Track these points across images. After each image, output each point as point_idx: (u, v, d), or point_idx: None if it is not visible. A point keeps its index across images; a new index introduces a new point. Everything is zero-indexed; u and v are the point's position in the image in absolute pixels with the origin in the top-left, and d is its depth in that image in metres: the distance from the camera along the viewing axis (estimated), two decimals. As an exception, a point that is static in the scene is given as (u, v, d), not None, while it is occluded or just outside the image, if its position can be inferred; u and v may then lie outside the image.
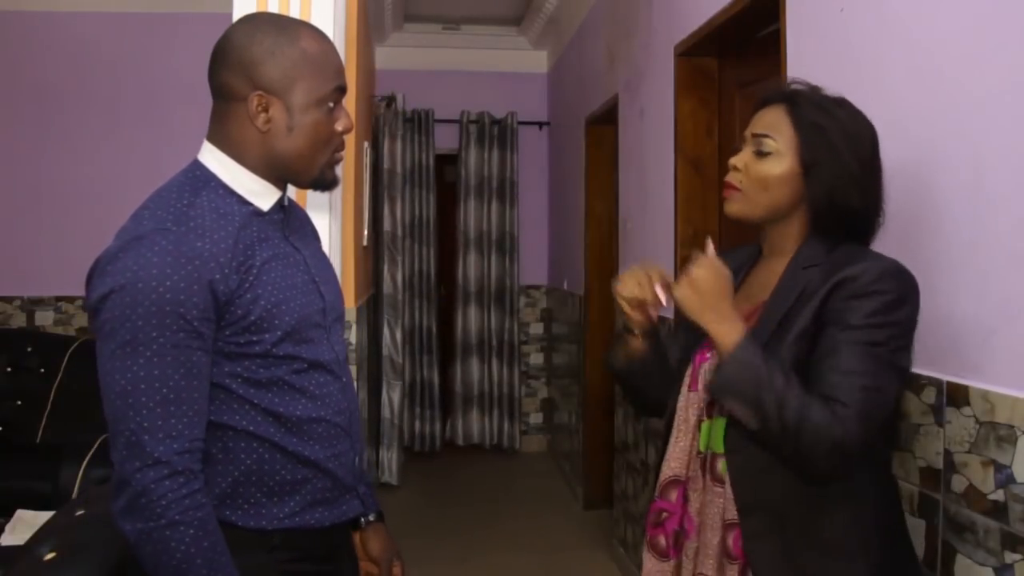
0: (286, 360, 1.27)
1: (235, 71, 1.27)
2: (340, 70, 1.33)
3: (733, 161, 1.40)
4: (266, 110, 1.27)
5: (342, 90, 1.33)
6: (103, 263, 1.19)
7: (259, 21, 1.31)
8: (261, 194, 1.31)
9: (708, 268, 1.31)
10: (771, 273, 1.40)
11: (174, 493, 1.15)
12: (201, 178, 1.29)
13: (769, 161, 1.35)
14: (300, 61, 1.27)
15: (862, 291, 1.25)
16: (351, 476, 1.38)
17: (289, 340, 1.27)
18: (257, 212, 1.30)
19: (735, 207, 1.40)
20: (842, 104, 1.37)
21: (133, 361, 1.15)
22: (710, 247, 1.36)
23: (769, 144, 1.35)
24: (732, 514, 1.32)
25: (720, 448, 1.35)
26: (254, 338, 1.24)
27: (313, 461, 1.30)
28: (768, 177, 1.35)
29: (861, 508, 1.29)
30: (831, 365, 1.23)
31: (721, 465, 1.34)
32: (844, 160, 1.32)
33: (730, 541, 1.32)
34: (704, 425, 1.39)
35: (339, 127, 1.32)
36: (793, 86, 1.40)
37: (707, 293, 1.30)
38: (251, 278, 1.24)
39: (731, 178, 1.40)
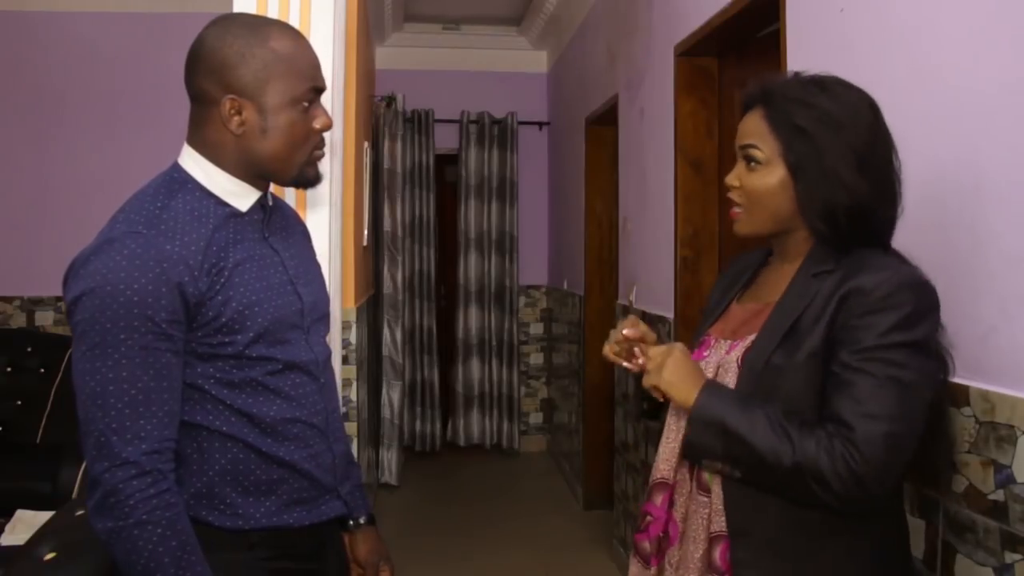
0: (260, 361, 1.27)
1: (207, 75, 1.27)
2: (315, 69, 1.32)
3: (728, 180, 1.34)
4: (239, 113, 1.26)
5: (318, 90, 1.32)
6: (76, 266, 1.20)
7: (230, 23, 1.29)
8: (239, 195, 1.31)
9: (655, 355, 1.30)
10: (781, 275, 1.35)
11: (141, 493, 1.16)
12: (178, 180, 1.29)
13: (760, 172, 1.29)
14: (271, 62, 1.26)
15: (875, 306, 1.18)
16: (330, 476, 1.37)
17: (262, 341, 1.27)
18: (235, 213, 1.30)
19: (741, 227, 1.35)
20: (825, 87, 1.29)
21: (102, 363, 1.16)
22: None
23: (756, 154, 1.29)
24: (719, 525, 1.27)
25: None
26: (226, 339, 1.25)
27: (288, 462, 1.30)
28: (761, 190, 1.29)
29: (859, 540, 1.23)
30: (847, 401, 1.16)
31: (708, 473, 1.30)
32: (831, 158, 1.23)
33: (716, 554, 1.26)
34: None
35: (317, 125, 1.32)
36: (768, 83, 1.32)
37: (660, 371, 1.28)
38: (222, 280, 1.24)
39: (731, 196, 1.34)
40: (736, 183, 1.33)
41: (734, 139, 1.37)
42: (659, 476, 1.38)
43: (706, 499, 1.30)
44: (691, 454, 1.27)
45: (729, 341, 1.36)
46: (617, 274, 4.03)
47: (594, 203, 4.58)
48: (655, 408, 1.48)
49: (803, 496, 1.19)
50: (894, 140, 1.30)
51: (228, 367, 1.26)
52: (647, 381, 1.30)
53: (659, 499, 1.38)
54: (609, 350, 1.40)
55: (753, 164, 1.30)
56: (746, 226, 1.34)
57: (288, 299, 1.33)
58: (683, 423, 1.37)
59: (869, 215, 1.26)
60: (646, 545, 1.39)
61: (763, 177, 1.29)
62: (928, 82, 1.54)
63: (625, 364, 1.38)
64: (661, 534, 1.37)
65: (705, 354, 1.38)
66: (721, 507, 1.27)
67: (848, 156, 1.24)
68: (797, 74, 1.33)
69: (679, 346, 1.31)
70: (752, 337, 1.30)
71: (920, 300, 1.20)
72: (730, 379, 1.30)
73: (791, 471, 1.17)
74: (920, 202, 1.55)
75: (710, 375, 1.34)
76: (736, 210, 1.35)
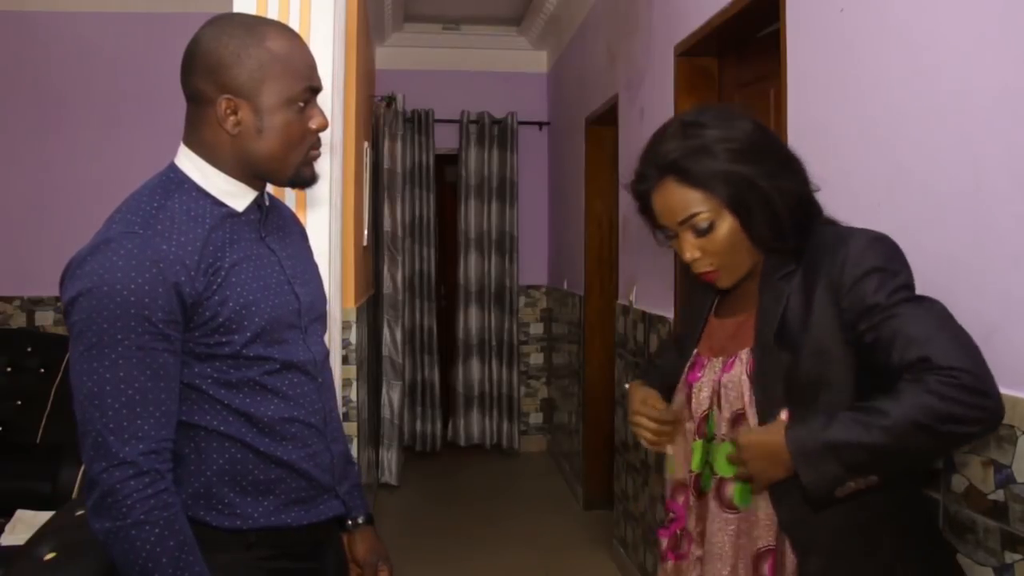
0: (257, 361, 1.27)
1: (203, 75, 1.27)
2: (311, 69, 1.32)
3: (688, 257, 1.33)
4: (235, 113, 1.26)
5: (314, 90, 1.32)
6: (73, 266, 1.20)
7: (226, 23, 1.29)
8: (235, 195, 1.31)
9: (749, 447, 1.23)
10: (749, 286, 1.37)
11: (139, 493, 1.16)
12: (175, 180, 1.29)
13: (714, 232, 1.30)
14: (267, 62, 1.26)
15: (857, 274, 1.21)
16: (328, 476, 1.38)
17: (260, 341, 1.27)
18: (231, 213, 1.30)
19: (726, 281, 1.35)
20: (702, 123, 1.30)
21: (99, 363, 1.16)
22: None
23: (702, 219, 1.29)
24: (766, 541, 1.28)
25: (728, 472, 1.31)
26: (223, 339, 1.25)
27: (286, 461, 1.30)
28: (725, 244, 1.30)
29: (903, 527, 1.26)
30: (899, 348, 1.16)
31: (731, 490, 1.32)
32: (759, 176, 1.27)
33: (765, 569, 1.28)
34: (696, 444, 1.37)
35: (313, 125, 1.32)
36: (660, 156, 1.31)
37: (760, 470, 1.22)
38: (219, 280, 1.24)
39: (701, 267, 1.34)
40: (698, 254, 1.32)
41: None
42: (680, 476, 1.41)
43: (731, 516, 1.31)
44: (817, 494, 1.19)
45: (721, 359, 1.37)
46: (617, 274, 4.03)
47: (594, 203, 4.58)
48: None
49: (944, 445, 1.22)
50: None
51: (226, 367, 1.26)
52: (757, 489, 1.26)
53: (680, 499, 1.41)
54: (653, 435, 1.42)
55: (703, 231, 1.30)
56: (729, 279, 1.35)
57: (285, 299, 1.33)
58: (692, 424, 1.39)
59: (808, 203, 1.31)
60: (664, 542, 1.42)
61: (719, 233, 1.30)
62: (928, 82, 1.54)
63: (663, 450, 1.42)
64: (679, 532, 1.41)
65: (699, 375, 1.40)
66: (769, 523, 1.28)
67: (767, 163, 1.28)
68: (666, 129, 1.34)
69: (743, 436, 1.25)
70: (745, 352, 1.33)
71: (886, 252, 1.24)
72: (735, 397, 1.32)
73: (914, 431, 1.12)
74: (920, 202, 1.55)
75: (706, 394, 1.37)
76: (712, 272, 1.34)
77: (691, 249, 1.32)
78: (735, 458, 1.25)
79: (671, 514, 1.42)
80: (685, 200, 1.29)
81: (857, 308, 1.21)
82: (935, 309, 1.19)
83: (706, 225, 1.29)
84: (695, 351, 1.44)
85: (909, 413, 1.12)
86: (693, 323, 1.49)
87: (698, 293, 1.51)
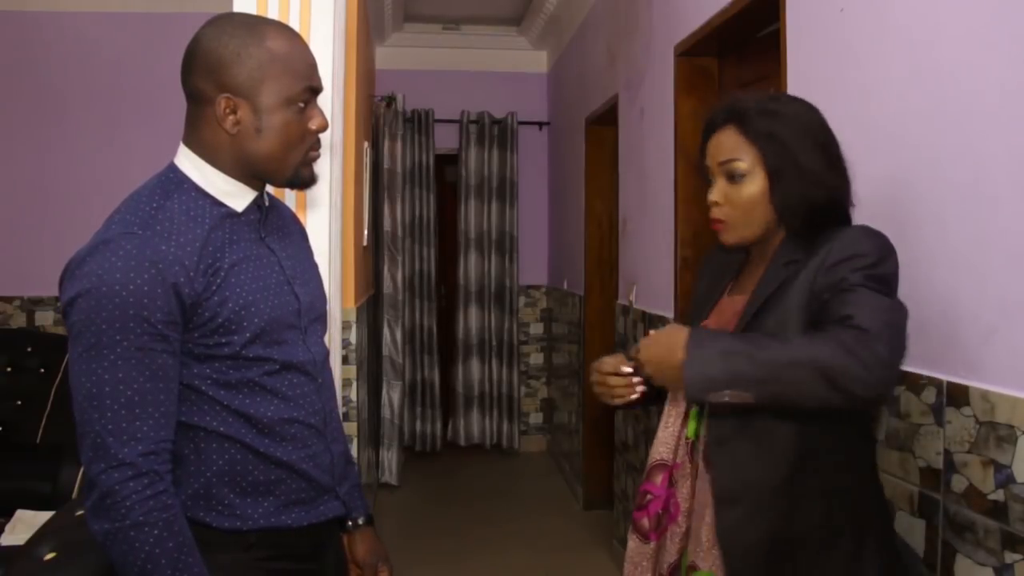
0: (256, 362, 1.27)
1: (203, 74, 1.26)
2: (311, 69, 1.32)
3: (713, 197, 1.41)
4: (234, 112, 1.26)
5: (314, 90, 1.32)
6: (72, 267, 1.20)
7: (226, 22, 1.29)
8: (235, 195, 1.31)
9: (648, 345, 1.31)
10: (760, 271, 1.43)
11: (138, 494, 1.16)
12: (174, 180, 1.29)
13: (745, 183, 1.38)
14: (267, 61, 1.26)
15: (844, 256, 1.28)
16: (328, 477, 1.37)
17: (259, 342, 1.27)
18: (231, 213, 1.30)
19: (730, 237, 1.42)
20: (779, 99, 1.42)
21: (98, 364, 1.16)
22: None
23: (739, 166, 1.38)
24: None
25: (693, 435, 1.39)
26: (223, 340, 1.24)
27: (286, 462, 1.30)
28: (748, 200, 1.38)
29: (836, 502, 1.32)
30: (843, 305, 1.23)
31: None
32: (806, 159, 1.34)
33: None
34: (693, 412, 1.42)
35: (312, 126, 1.32)
36: (732, 102, 1.42)
37: (653, 360, 1.29)
38: (218, 280, 1.24)
39: (715, 214, 1.42)
40: (721, 199, 1.40)
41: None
42: (658, 458, 1.45)
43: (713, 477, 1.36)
44: (692, 393, 1.24)
45: None
46: (617, 274, 4.03)
47: (594, 203, 4.58)
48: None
49: (828, 396, 1.19)
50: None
51: (225, 368, 1.25)
52: (646, 368, 1.31)
53: (659, 479, 1.44)
54: (610, 389, 1.44)
55: (737, 178, 1.38)
56: (733, 236, 1.42)
57: (285, 299, 1.33)
58: (681, 407, 1.44)
59: (839, 207, 1.38)
60: (645, 522, 1.45)
61: (748, 187, 1.38)
62: (928, 82, 1.54)
63: (632, 397, 1.43)
64: (660, 511, 1.43)
65: None
66: None
67: (818, 154, 1.35)
68: (751, 93, 1.45)
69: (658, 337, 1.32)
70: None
71: (878, 243, 1.30)
72: None
73: (805, 369, 1.18)
74: (920, 202, 1.55)
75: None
76: (720, 223, 1.42)
77: (717, 193, 1.40)
78: (635, 351, 1.32)
79: (648, 496, 1.44)
80: (733, 145, 1.39)
81: (828, 281, 1.28)
82: (895, 307, 1.25)
83: (739, 174, 1.38)
84: (703, 323, 1.49)
85: (811, 350, 1.19)
86: (703, 301, 1.55)
87: (713, 274, 1.57)
